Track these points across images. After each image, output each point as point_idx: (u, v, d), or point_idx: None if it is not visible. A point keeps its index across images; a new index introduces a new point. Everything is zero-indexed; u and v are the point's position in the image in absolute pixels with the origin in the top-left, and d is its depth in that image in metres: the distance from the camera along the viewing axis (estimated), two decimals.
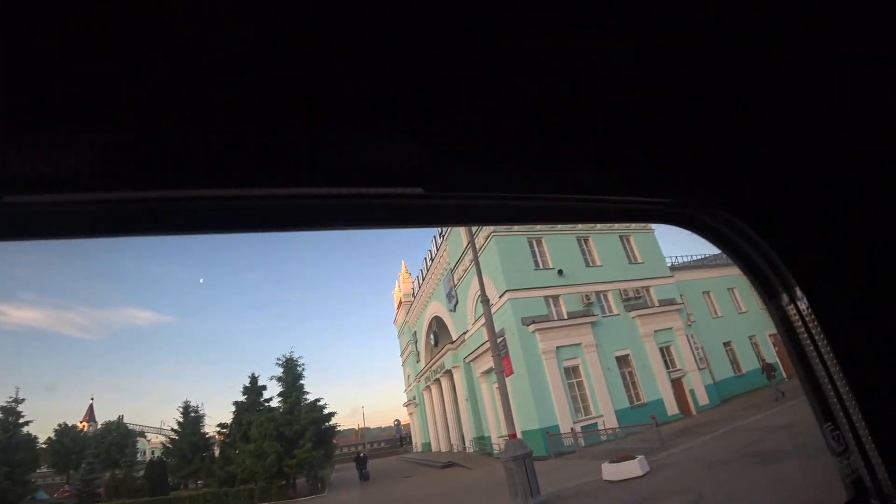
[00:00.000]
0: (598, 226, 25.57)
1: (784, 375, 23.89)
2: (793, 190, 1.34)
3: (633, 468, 11.64)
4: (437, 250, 32.14)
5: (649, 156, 1.33)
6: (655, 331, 24.01)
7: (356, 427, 49.99)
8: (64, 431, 29.21)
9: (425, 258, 35.30)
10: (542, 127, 1.24)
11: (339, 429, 29.66)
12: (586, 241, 25.19)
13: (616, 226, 26.08)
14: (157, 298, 48.41)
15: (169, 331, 45.91)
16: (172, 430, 28.33)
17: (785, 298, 1.37)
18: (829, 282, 1.31)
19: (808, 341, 1.34)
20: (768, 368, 20.90)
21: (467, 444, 28.58)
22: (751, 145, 1.35)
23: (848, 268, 1.30)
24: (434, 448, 35.96)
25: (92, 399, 33.05)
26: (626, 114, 1.27)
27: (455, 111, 1.16)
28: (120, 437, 30.09)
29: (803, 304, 1.32)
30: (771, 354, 27.20)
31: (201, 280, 48.54)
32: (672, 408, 22.46)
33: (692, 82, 1.25)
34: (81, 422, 31.12)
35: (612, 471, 11.88)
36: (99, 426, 31.21)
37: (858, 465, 1.30)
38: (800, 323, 1.35)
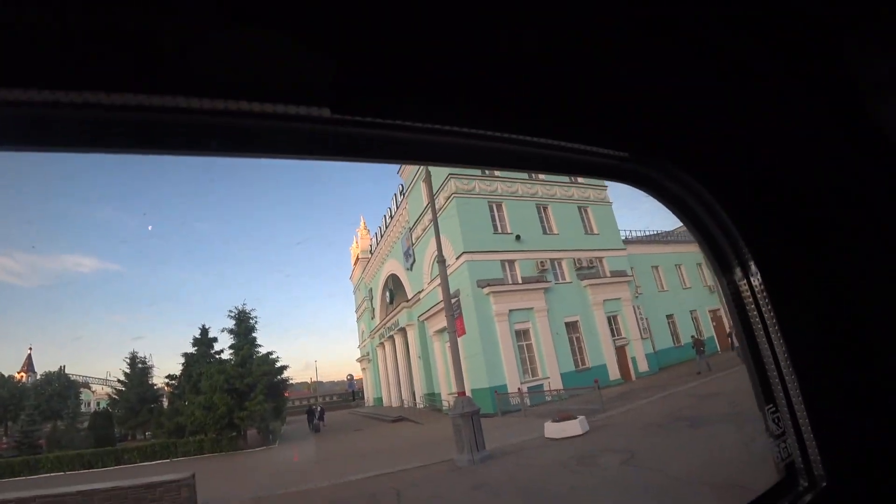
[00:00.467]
0: (559, 194, 25.96)
1: (718, 348, 25.55)
2: (759, 165, 1.30)
3: (574, 427, 12.27)
4: (397, 208, 31.88)
5: (612, 105, 1.20)
6: (605, 300, 24.95)
7: (309, 381, 50.22)
8: (0, 381, 28.02)
9: (384, 215, 34.97)
10: (485, 51, 1.04)
11: (291, 382, 29.67)
12: (545, 208, 25.54)
13: (575, 196, 26.56)
14: (103, 246, 45.95)
15: (116, 280, 43.96)
16: (119, 381, 27.67)
17: (738, 273, 1.34)
18: (784, 261, 1.29)
19: (757, 319, 1.32)
20: (698, 344, 21.91)
21: (418, 400, 29.32)
22: (721, 114, 1.28)
23: (805, 250, 1.29)
24: (386, 403, 36.76)
25: (30, 349, 31.64)
26: (591, 55, 1.11)
27: (385, 15, 0.92)
28: (61, 387, 29.05)
29: (756, 281, 1.30)
30: (709, 329, 29.11)
31: (149, 227, 46.40)
32: (614, 373, 23.67)
33: (666, 36, 1.14)
34: (19, 372, 29.83)
35: (555, 429, 12.47)
36: (38, 376, 30.01)
37: (794, 449, 1.31)
38: (750, 300, 1.33)
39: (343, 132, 1.01)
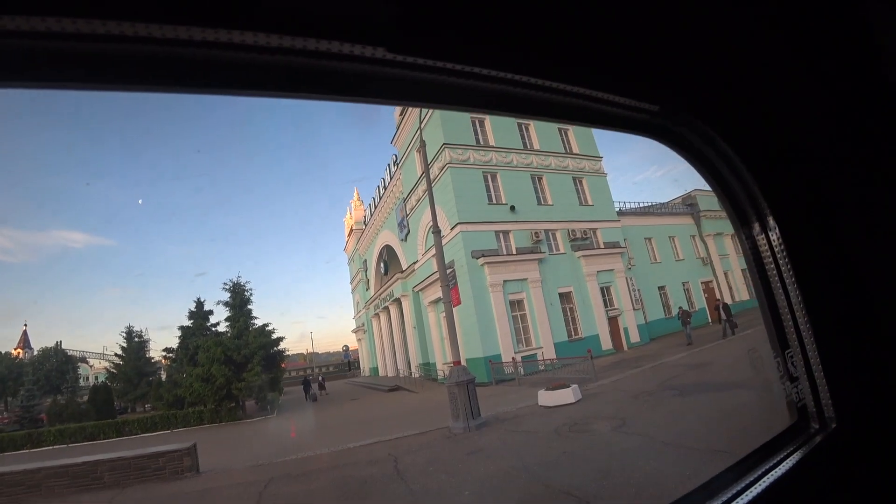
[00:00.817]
0: (553, 165, 25.81)
1: (710, 319, 25.88)
2: (786, 127, 1.33)
3: (566, 395, 12.52)
4: (391, 178, 31.64)
5: (648, 56, 1.20)
6: (598, 271, 25.16)
7: (305, 352, 50.79)
8: None
9: (378, 186, 34.75)
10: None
11: (287, 353, 29.97)
12: (540, 179, 25.42)
13: (571, 166, 26.43)
14: (92, 220, 45.57)
15: (108, 254, 43.80)
16: (116, 354, 27.86)
17: (756, 227, 1.40)
18: (802, 216, 1.34)
19: (774, 270, 1.38)
20: (684, 315, 22.04)
21: (413, 369, 29.73)
22: (749, 70, 1.29)
23: (824, 205, 1.32)
24: (381, 373, 37.29)
25: (25, 325, 31.69)
26: (628, 5, 1.10)
27: None
28: (59, 362, 29.23)
29: (774, 235, 1.36)
30: (700, 300, 29.48)
31: (140, 201, 45.95)
32: (607, 343, 24.06)
33: None
34: (16, 348, 29.95)
35: (548, 397, 12.73)
36: (35, 352, 30.14)
37: (806, 393, 1.39)
38: (768, 253, 1.39)
39: (399, 74, 0.98)
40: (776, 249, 1.37)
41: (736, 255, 32.01)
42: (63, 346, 30.51)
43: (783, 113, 1.33)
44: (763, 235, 1.40)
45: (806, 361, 1.38)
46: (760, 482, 1.27)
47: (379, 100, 1.06)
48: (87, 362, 32.82)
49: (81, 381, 30.90)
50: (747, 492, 1.25)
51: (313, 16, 0.83)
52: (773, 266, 1.40)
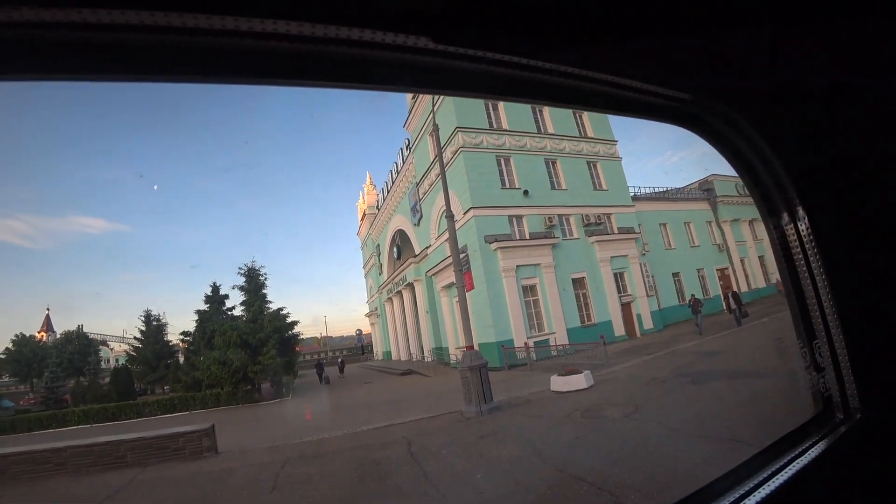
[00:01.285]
0: (568, 148, 25.52)
1: (725, 307, 25.54)
2: (814, 112, 1.32)
3: (579, 381, 12.54)
4: (403, 162, 31.55)
5: (682, 45, 1.22)
6: (612, 257, 24.95)
7: (318, 336, 51.37)
8: (22, 341, 28.89)
9: (391, 170, 34.67)
10: None
11: (301, 337, 30.31)
12: (554, 163, 25.16)
13: (585, 150, 26.11)
14: (110, 206, 46.23)
15: (125, 240, 44.48)
16: (135, 338, 28.47)
17: (785, 217, 1.42)
18: (832, 207, 1.34)
19: (803, 262, 1.40)
20: (696, 304, 21.71)
21: (426, 353, 29.92)
22: (780, 59, 1.29)
23: (854, 197, 1.32)
24: (394, 357, 37.62)
25: (48, 309, 32.46)
26: None
27: None
28: (81, 345, 29.96)
29: (803, 225, 1.37)
30: (716, 287, 29.11)
31: (154, 187, 46.46)
32: (619, 329, 23.95)
33: None
34: (39, 332, 30.74)
35: (560, 383, 12.76)
36: (58, 336, 30.92)
37: (832, 384, 1.41)
38: (796, 243, 1.40)
39: (444, 64, 1.00)
40: (805, 239, 1.38)
41: (753, 241, 31.51)
42: (84, 329, 31.27)
43: (813, 103, 1.32)
44: (791, 225, 1.40)
45: (832, 352, 1.39)
46: (786, 470, 1.29)
47: (421, 89, 1.11)
48: (107, 345, 33.60)
49: (102, 363, 31.65)
50: (773, 479, 1.26)
51: (363, 7, 0.84)
52: (801, 256, 1.40)
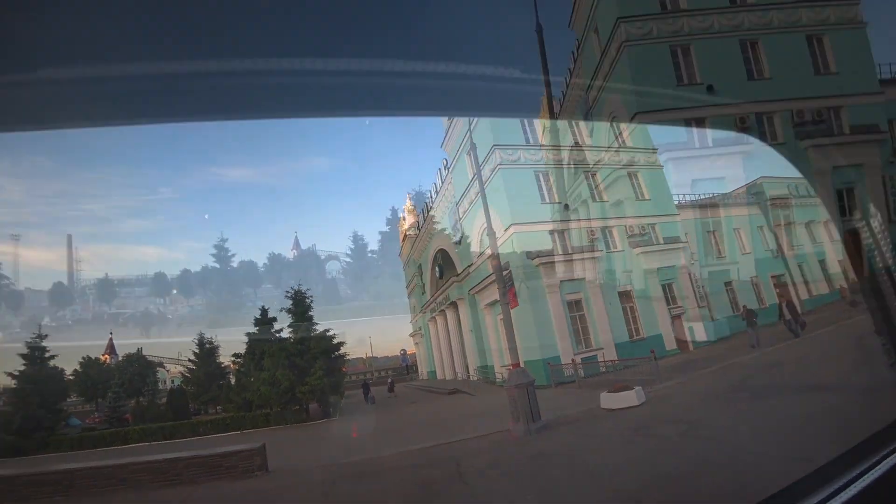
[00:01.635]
0: (607, 160, 25.14)
1: (779, 317, 24.18)
2: None
3: (630, 398, 12.12)
4: (442, 183, 31.85)
5: None
6: (659, 267, 24.19)
7: (364, 356, 51.79)
8: (88, 364, 30.50)
9: (430, 191, 35.08)
10: None
11: (347, 358, 30.70)
12: (594, 175, 24.79)
13: (623, 160, 25.62)
14: (162, 235, 48.63)
15: (176, 267, 46.45)
16: (189, 360, 29.64)
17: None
18: None
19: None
20: (749, 315, 20.67)
21: (471, 372, 29.61)
22: None
23: None
24: (439, 376, 37.49)
25: (111, 333, 34.19)
26: None
27: None
28: (140, 367, 31.35)
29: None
30: (771, 296, 27.57)
31: (206, 216, 48.47)
32: (670, 343, 23.04)
33: None
34: (103, 355, 32.35)
35: (610, 400, 12.36)
36: (120, 358, 32.48)
37: None
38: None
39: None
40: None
41: (811, 244, 29.81)
42: (143, 352, 32.76)
43: None
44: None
45: None
46: (879, 467, 1.19)
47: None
48: (164, 367, 35.02)
49: (160, 384, 32.97)
50: (864, 476, 1.17)
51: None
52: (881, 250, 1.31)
